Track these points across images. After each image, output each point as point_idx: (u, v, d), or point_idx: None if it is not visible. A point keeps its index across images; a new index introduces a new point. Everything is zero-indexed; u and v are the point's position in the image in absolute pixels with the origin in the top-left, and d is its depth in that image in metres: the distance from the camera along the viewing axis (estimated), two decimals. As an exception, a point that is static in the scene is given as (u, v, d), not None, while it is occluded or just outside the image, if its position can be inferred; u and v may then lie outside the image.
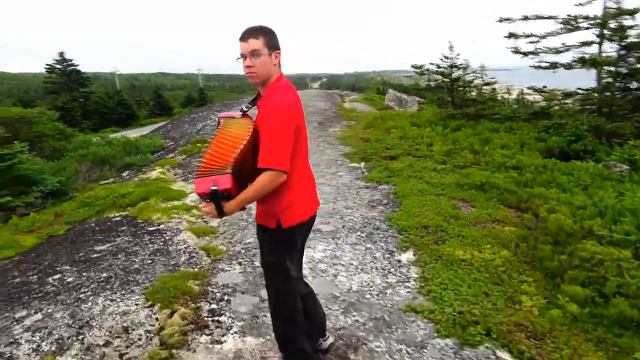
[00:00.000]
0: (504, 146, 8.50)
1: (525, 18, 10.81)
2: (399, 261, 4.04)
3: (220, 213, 2.02)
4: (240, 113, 2.23)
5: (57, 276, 4.06)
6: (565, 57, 10.69)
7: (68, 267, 4.25)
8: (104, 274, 3.97)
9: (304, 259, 3.26)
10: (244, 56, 2.11)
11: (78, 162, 9.23)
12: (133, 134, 28.83)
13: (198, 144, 11.37)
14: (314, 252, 4.26)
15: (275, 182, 2.01)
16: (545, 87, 12.07)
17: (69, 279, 3.95)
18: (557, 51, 10.55)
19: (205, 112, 16.73)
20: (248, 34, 2.09)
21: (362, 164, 8.23)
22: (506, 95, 19.18)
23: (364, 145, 9.63)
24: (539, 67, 11.29)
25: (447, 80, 12.11)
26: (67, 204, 7.02)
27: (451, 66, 11.83)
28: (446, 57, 11.87)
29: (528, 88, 12.30)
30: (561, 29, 10.53)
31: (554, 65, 10.88)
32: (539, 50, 10.69)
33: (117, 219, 5.78)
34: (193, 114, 16.98)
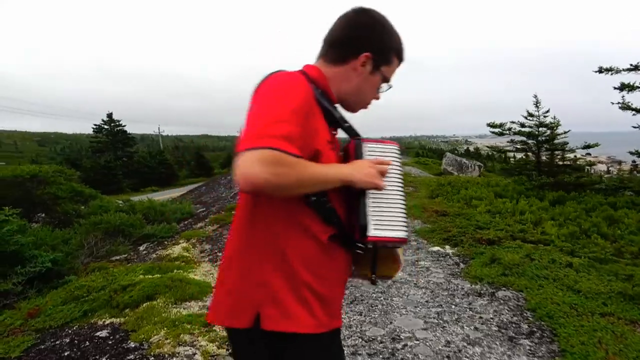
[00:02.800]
0: (640, 228, 6.22)
1: (636, 68, 8.76)
2: None
3: None
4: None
5: None
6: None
7: None
8: None
9: None
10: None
11: (88, 232, 7.52)
12: (171, 194, 27.74)
13: (233, 212, 9.55)
14: None
15: None
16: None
17: None
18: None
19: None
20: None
21: (448, 248, 6.09)
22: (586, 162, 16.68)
23: (442, 221, 7.52)
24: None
25: (532, 142, 10.02)
26: (54, 293, 5.17)
27: (538, 125, 9.78)
28: (531, 115, 9.87)
29: (632, 153, 9.99)
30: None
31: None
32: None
33: (103, 334, 3.81)
34: (230, 175, 15.42)
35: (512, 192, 8.99)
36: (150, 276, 5.23)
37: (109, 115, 47.79)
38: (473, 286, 4.41)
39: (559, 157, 10.03)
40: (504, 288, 4.32)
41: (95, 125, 47.59)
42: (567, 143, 10.02)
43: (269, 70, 1.27)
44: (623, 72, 8.95)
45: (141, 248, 7.63)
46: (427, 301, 4.02)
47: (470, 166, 17.20)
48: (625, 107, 8.82)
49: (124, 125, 48.36)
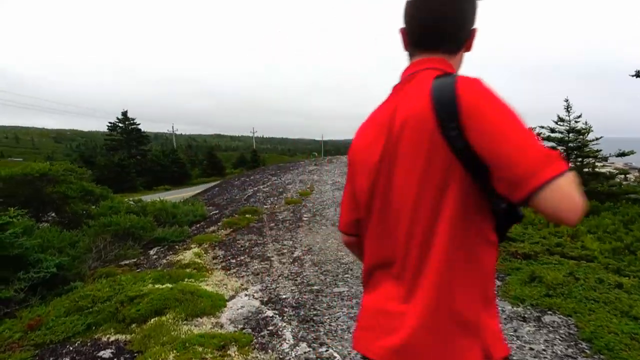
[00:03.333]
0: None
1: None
2: None
3: None
4: None
5: None
6: None
7: None
8: None
9: None
10: None
11: (97, 234, 7.21)
12: (183, 193, 27.53)
13: (247, 215, 9.22)
14: None
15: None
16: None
17: None
18: None
19: (258, 175, 14.78)
20: None
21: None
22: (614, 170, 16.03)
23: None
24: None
25: (563, 147, 9.50)
26: (57, 302, 4.84)
27: (569, 130, 9.27)
28: (561, 120, 9.36)
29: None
30: None
31: None
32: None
33: (107, 354, 3.45)
34: (244, 176, 15.11)
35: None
36: (159, 286, 4.89)
37: (124, 114, 47.93)
38: (515, 308, 3.98)
39: (589, 164, 9.50)
40: (549, 312, 3.87)
41: (110, 123, 47.73)
42: (600, 150, 9.49)
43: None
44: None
45: (151, 252, 7.30)
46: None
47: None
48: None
49: (139, 124, 48.50)
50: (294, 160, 26.71)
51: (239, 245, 7.15)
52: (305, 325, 3.72)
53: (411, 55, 1.18)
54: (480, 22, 1.14)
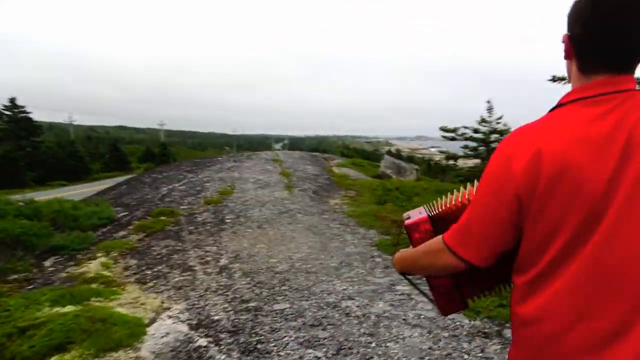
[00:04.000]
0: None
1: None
2: None
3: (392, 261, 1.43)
4: None
5: None
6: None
7: None
8: None
9: None
10: None
11: (-26, 244, 5.97)
12: (82, 189, 25.10)
13: (162, 217, 8.31)
14: None
15: (438, 258, 1.16)
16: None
17: None
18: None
19: (172, 172, 13.66)
20: None
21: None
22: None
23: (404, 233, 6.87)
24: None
25: (485, 147, 9.76)
26: None
27: (491, 131, 9.53)
28: (484, 121, 9.59)
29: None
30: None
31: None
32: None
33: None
34: (155, 173, 13.90)
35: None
36: (60, 309, 4.02)
37: (12, 100, 42.97)
38: (473, 322, 3.72)
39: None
40: (508, 324, 3.67)
41: (-7, 110, 42.55)
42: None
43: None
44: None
45: (47, 264, 6.20)
46: (430, 347, 3.25)
47: (408, 170, 17.02)
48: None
49: (30, 112, 43.78)
50: (206, 155, 25.42)
51: (155, 253, 6.33)
52: (249, 358, 3.14)
53: (586, 70, 1.04)
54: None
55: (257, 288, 4.74)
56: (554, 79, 9.16)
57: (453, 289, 1.37)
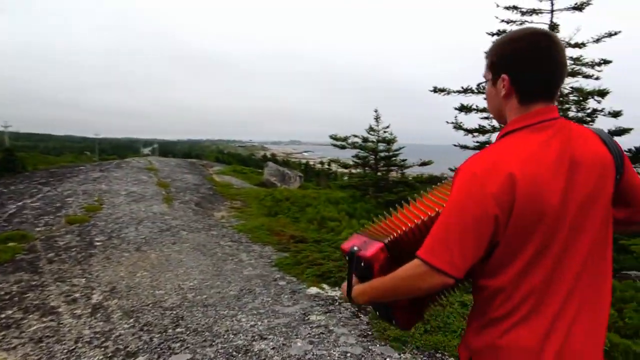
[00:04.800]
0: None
1: (466, 90, 9.21)
2: None
3: (348, 295, 1.41)
4: None
5: None
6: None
7: None
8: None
9: None
10: None
11: None
12: None
13: (11, 243, 6.81)
14: None
15: (423, 281, 1.19)
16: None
17: None
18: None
19: (23, 185, 11.54)
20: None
21: (329, 288, 5.02)
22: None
23: (305, 250, 6.43)
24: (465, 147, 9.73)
25: (373, 156, 9.78)
26: None
27: (379, 140, 9.59)
28: (373, 130, 9.62)
29: (453, 170, 10.67)
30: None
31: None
32: (486, 129, 9.05)
33: None
34: (1, 186, 11.65)
35: (361, 211, 8.52)
36: None
37: None
38: (402, 355, 3.38)
39: (395, 172, 10.07)
40: (438, 354, 3.40)
41: None
42: (406, 160, 10.15)
43: None
44: (453, 94, 9.39)
45: None
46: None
47: (293, 177, 16.73)
48: (458, 127, 9.24)
49: None
50: (64, 162, 22.43)
51: (2, 293, 5.03)
52: None
53: (526, 102, 1.25)
54: None
55: (144, 333, 3.90)
56: (435, 90, 9.54)
57: (412, 302, 1.41)
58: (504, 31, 9.88)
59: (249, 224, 8.83)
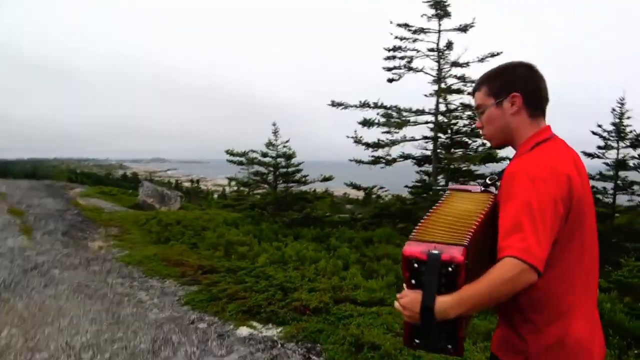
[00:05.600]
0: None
1: (363, 105, 9.18)
2: None
3: (427, 309, 1.19)
4: (481, 187, 1.54)
5: None
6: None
7: None
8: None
9: None
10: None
11: None
12: None
13: None
14: None
15: (519, 279, 1.18)
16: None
17: None
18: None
19: None
20: (474, 87, 1.57)
21: (262, 327, 4.32)
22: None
23: (222, 282, 5.57)
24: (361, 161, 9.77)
25: (273, 172, 9.23)
26: None
27: (278, 155, 9.09)
28: (271, 144, 9.09)
29: (349, 185, 10.57)
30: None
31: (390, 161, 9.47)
32: (385, 143, 9.09)
33: None
34: None
35: (269, 232, 7.86)
36: None
37: None
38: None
39: (294, 189, 9.61)
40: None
41: None
42: (307, 175, 9.77)
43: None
44: (351, 108, 9.33)
45: None
46: None
47: (173, 197, 15.26)
48: (358, 141, 9.17)
49: None
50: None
51: None
52: None
53: (535, 117, 1.46)
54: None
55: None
56: (333, 104, 9.42)
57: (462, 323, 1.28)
58: (399, 47, 10.23)
59: (136, 254, 7.61)
